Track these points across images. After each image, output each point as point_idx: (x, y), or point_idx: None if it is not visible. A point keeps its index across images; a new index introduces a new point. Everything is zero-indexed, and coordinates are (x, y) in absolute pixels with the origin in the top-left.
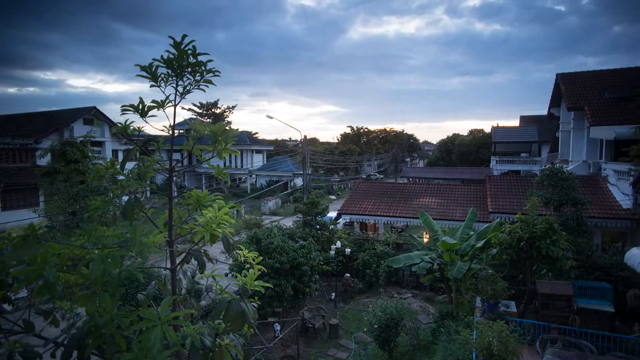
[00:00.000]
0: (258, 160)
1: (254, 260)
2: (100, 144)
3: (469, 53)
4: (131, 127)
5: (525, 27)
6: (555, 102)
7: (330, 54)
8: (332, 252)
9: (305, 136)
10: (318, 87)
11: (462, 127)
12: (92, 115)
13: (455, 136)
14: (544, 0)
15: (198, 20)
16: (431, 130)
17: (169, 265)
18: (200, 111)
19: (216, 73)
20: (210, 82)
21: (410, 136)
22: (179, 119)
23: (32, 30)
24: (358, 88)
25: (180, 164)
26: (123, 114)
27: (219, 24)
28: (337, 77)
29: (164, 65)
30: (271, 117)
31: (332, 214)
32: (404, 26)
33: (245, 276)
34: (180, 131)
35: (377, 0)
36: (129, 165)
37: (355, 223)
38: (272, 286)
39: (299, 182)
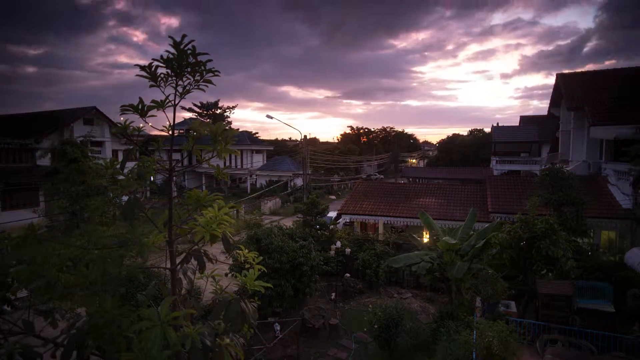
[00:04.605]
0: (258, 160)
1: (254, 260)
2: (100, 144)
3: None
4: (131, 127)
5: None
6: (555, 102)
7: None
8: (332, 252)
9: (305, 136)
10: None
11: None
12: (92, 115)
13: (455, 136)
14: None
15: None
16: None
17: (169, 265)
18: (201, 111)
19: (216, 73)
20: (210, 82)
21: (410, 136)
22: (179, 119)
23: None
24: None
25: (180, 164)
26: (123, 113)
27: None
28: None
29: (163, 65)
30: (271, 117)
31: (332, 214)
32: None
33: (245, 276)
34: (180, 131)
35: None
36: (129, 165)
37: (355, 223)
38: (272, 286)
39: (299, 182)
